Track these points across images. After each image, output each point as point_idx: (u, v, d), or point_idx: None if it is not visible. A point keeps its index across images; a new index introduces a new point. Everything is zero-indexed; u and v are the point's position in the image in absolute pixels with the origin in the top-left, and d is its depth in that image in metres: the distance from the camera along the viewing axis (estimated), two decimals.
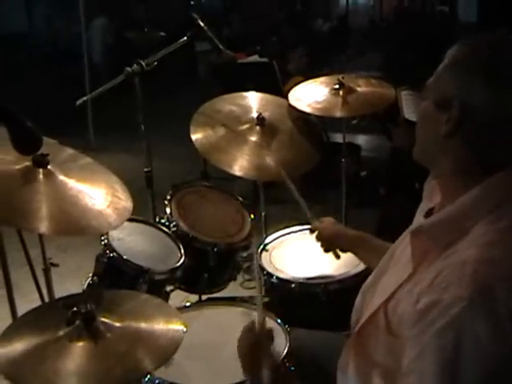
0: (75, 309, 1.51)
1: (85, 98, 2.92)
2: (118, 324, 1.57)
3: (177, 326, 1.60)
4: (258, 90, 2.92)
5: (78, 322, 1.51)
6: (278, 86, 4.83)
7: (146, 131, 2.87)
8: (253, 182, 3.89)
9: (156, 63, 2.77)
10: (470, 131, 1.18)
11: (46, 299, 2.27)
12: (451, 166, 1.23)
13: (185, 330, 1.61)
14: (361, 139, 6.48)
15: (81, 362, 1.46)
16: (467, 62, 1.20)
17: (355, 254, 2.05)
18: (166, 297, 2.34)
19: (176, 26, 9.08)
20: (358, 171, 5.54)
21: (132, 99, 2.81)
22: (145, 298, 1.81)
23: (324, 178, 4.77)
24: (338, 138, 3.73)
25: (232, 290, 2.84)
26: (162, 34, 10.36)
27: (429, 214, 1.36)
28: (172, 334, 1.57)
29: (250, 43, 7.27)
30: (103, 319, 1.56)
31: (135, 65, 2.72)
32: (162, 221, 2.51)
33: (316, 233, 2.13)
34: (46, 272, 2.15)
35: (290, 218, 3.70)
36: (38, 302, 2.28)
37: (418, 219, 1.41)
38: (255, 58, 5.52)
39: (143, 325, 1.59)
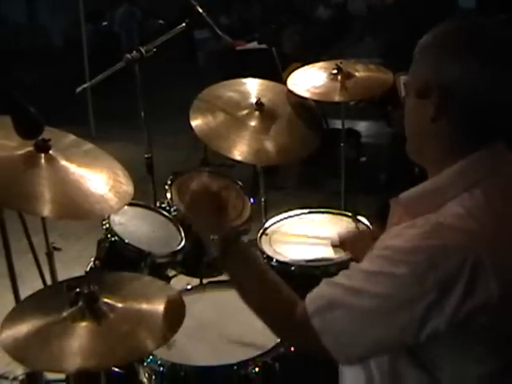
0: (78, 290, 1.54)
1: (85, 86, 2.92)
2: (120, 305, 1.59)
3: (177, 305, 1.62)
4: (257, 77, 2.94)
5: (80, 303, 1.54)
6: (277, 73, 4.84)
7: (147, 119, 2.88)
8: (253, 168, 3.92)
9: (155, 50, 2.78)
10: (454, 110, 1.21)
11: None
12: (438, 149, 1.26)
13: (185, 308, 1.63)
14: (361, 125, 6.48)
15: (84, 342, 1.49)
16: (439, 45, 1.23)
17: None
18: (167, 281, 2.36)
19: (175, 13, 9.08)
20: (357, 157, 5.56)
21: (132, 87, 2.82)
22: (147, 279, 1.84)
23: (324, 164, 4.79)
24: (338, 124, 3.74)
25: None
26: (161, 21, 10.39)
27: None
28: (174, 312, 1.60)
29: (249, 30, 7.26)
30: (106, 300, 1.58)
31: (134, 52, 2.72)
32: (163, 206, 2.53)
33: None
34: (49, 256, 2.17)
35: (290, 203, 3.72)
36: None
37: None
38: (254, 44, 5.52)
39: (145, 305, 1.62)
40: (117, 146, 6.32)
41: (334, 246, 2.10)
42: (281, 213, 2.67)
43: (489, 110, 1.20)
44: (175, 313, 1.61)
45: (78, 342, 1.49)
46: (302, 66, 3.10)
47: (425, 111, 1.23)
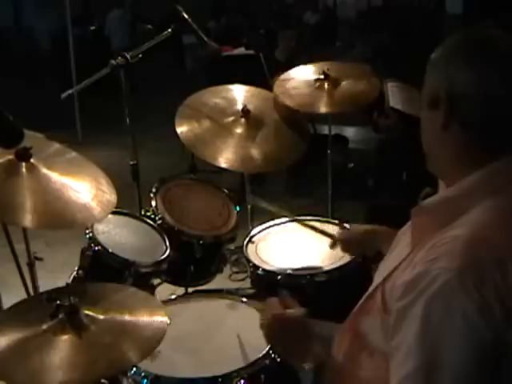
0: (58, 302, 1.51)
1: (70, 92, 2.90)
2: (101, 316, 1.56)
3: (161, 318, 1.59)
4: (244, 83, 2.92)
5: (61, 315, 1.50)
6: (264, 79, 4.82)
7: (134, 125, 2.85)
8: (240, 174, 3.91)
9: (141, 56, 2.76)
10: (464, 116, 1.20)
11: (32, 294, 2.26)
12: (453, 156, 1.24)
13: (168, 321, 1.60)
14: (348, 131, 6.49)
15: (66, 355, 1.46)
16: (446, 55, 1.24)
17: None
18: (152, 290, 2.33)
19: (163, 18, 9.07)
20: (345, 163, 5.55)
21: (120, 92, 2.80)
22: (130, 290, 1.81)
23: (312, 171, 4.78)
24: (326, 129, 3.74)
25: (220, 282, 2.84)
26: (150, 26, 10.37)
27: None
28: (156, 325, 1.57)
29: (237, 36, 7.24)
30: (87, 312, 1.55)
31: (120, 57, 2.71)
32: (148, 214, 2.50)
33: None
34: (31, 266, 2.14)
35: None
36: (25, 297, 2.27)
37: None
38: (241, 50, 5.50)
39: (127, 317, 1.58)
40: (104, 151, 6.31)
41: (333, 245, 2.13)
42: (267, 220, 2.65)
43: (500, 115, 1.18)
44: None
45: (58, 356, 1.46)
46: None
47: (436, 121, 1.23)
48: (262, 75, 4.95)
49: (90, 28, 11.46)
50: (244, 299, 2.09)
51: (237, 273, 3.69)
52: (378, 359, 1.29)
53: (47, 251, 3.91)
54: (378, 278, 1.36)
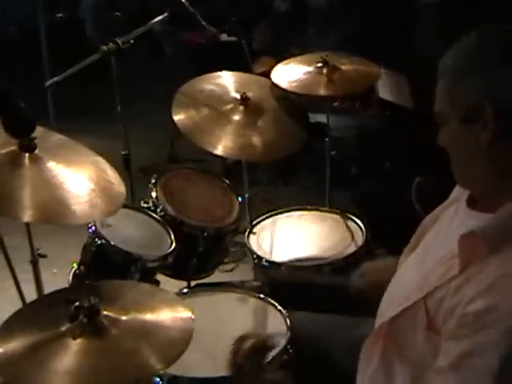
0: (78, 303, 1.40)
1: (56, 79, 2.79)
2: (123, 317, 1.46)
3: (184, 314, 1.51)
4: (228, 70, 2.85)
5: (81, 318, 1.40)
6: (247, 66, 4.74)
7: (111, 113, 2.77)
8: (222, 163, 3.86)
9: (132, 41, 2.67)
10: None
11: (30, 293, 2.09)
12: (500, 174, 1.17)
13: (193, 317, 1.52)
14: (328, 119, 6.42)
15: (85, 361, 1.36)
16: (472, 62, 1.16)
17: None
18: (156, 286, 2.24)
19: (135, 6, 8.92)
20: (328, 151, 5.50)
21: (97, 79, 2.70)
22: (144, 288, 1.71)
23: (298, 159, 4.73)
24: (312, 118, 3.69)
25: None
26: (118, 13, 10.19)
27: (471, 201, 1.28)
28: (182, 323, 1.48)
29: (219, 23, 7.10)
30: (106, 313, 1.45)
31: (111, 43, 2.61)
32: (147, 205, 2.41)
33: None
34: (34, 264, 1.99)
35: (262, 199, 3.65)
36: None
37: (461, 201, 1.32)
38: (224, 36, 5.41)
39: (149, 316, 1.49)
40: (84, 140, 6.14)
41: None
42: (264, 209, 2.60)
43: None
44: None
45: (78, 361, 1.36)
46: (277, 60, 3.01)
47: (473, 136, 1.15)
48: (244, 62, 4.86)
49: (56, 15, 11.19)
50: (254, 293, 2.03)
51: (225, 263, 3.62)
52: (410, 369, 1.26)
53: (47, 247, 3.78)
54: (414, 291, 1.27)
